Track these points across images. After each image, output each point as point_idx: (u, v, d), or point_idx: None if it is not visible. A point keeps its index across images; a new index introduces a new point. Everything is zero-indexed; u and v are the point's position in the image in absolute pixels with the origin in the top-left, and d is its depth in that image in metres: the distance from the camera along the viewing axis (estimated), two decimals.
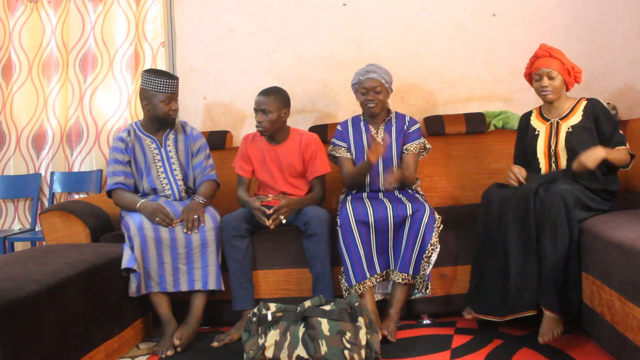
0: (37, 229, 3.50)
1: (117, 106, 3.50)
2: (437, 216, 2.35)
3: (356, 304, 2.02)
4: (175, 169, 2.59)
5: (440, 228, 2.33)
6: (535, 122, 2.43)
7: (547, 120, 2.39)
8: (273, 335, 1.98)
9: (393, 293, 2.34)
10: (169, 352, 2.21)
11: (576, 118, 2.31)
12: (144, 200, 2.45)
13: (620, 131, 2.27)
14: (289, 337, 1.97)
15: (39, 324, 1.71)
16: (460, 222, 2.42)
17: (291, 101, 3.43)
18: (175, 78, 2.56)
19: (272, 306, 2.06)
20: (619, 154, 2.21)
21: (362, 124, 2.66)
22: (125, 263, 2.25)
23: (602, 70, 3.24)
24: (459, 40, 3.32)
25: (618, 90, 3.23)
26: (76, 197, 3.49)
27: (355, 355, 1.94)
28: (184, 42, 3.50)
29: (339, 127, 2.71)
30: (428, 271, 2.30)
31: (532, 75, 2.39)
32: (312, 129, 3.18)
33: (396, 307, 2.31)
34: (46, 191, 3.58)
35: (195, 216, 2.38)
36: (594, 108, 2.29)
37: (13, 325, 1.59)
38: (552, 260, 2.01)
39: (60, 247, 2.30)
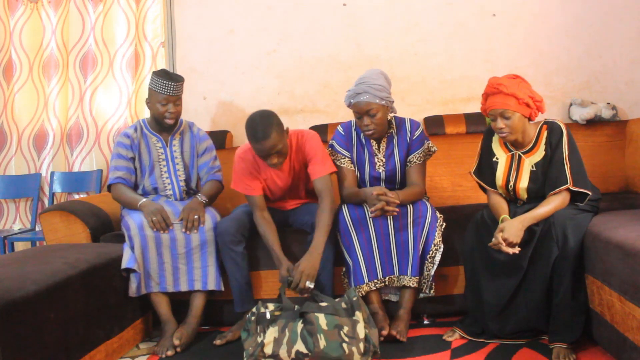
0: (37, 229, 3.51)
1: (117, 106, 3.51)
2: (439, 215, 2.33)
3: (354, 299, 2.05)
4: (178, 169, 2.58)
5: (443, 227, 2.32)
6: (496, 146, 2.22)
7: (509, 150, 2.19)
8: (272, 332, 1.99)
9: (402, 294, 2.32)
10: (169, 352, 2.21)
11: (540, 153, 2.11)
12: (145, 200, 2.43)
13: (566, 165, 2.04)
14: (287, 334, 1.98)
15: (39, 324, 1.71)
16: (460, 222, 2.41)
17: (291, 101, 3.46)
18: (176, 81, 2.49)
19: (270, 305, 2.08)
20: (544, 210, 2.02)
21: (363, 135, 2.43)
22: (125, 263, 2.25)
23: (602, 70, 3.24)
24: (459, 40, 3.32)
25: (618, 90, 3.23)
26: (76, 197, 3.49)
27: (354, 348, 1.95)
28: (184, 42, 3.50)
29: (340, 129, 2.48)
30: (432, 272, 2.28)
31: (487, 113, 2.13)
32: (312, 129, 3.18)
33: (406, 307, 2.28)
34: (46, 191, 3.58)
35: (196, 216, 2.37)
36: (552, 136, 2.09)
37: (13, 325, 1.59)
38: (564, 296, 1.96)
39: (60, 247, 2.30)
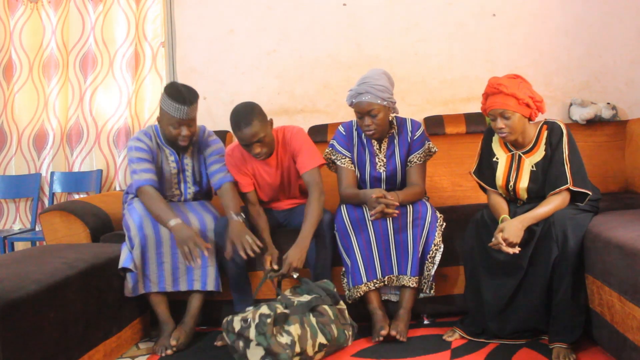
0: (37, 229, 3.51)
1: (117, 106, 3.51)
2: (439, 215, 2.33)
3: (334, 290, 2.22)
4: (188, 182, 2.50)
5: (443, 226, 2.32)
6: (496, 146, 2.22)
7: (509, 150, 2.19)
8: (295, 330, 1.99)
9: (402, 294, 2.32)
10: (168, 352, 2.21)
11: (540, 153, 2.11)
12: (178, 222, 2.21)
13: (566, 165, 2.04)
14: (307, 329, 2.02)
15: (39, 324, 1.71)
16: (460, 222, 2.41)
17: (291, 101, 3.46)
18: (191, 103, 2.26)
19: (279, 306, 2.04)
20: (544, 210, 2.02)
21: (364, 135, 2.43)
22: (121, 263, 2.25)
23: (602, 70, 3.24)
24: (459, 40, 3.32)
25: (618, 90, 3.23)
26: (76, 197, 3.50)
27: (350, 333, 2.17)
28: (184, 42, 3.50)
29: (341, 129, 2.48)
30: (432, 271, 2.28)
31: (487, 113, 2.12)
32: (312, 128, 3.19)
33: (406, 307, 2.28)
34: (46, 191, 3.58)
35: (249, 239, 2.21)
36: (552, 136, 2.09)
37: (13, 325, 1.59)
38: (563, 296, 1.96)
39: (59, 247, 2.30)
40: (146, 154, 2.36)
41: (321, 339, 2.03)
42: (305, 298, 2.14)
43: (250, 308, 2.05)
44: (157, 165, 2.40)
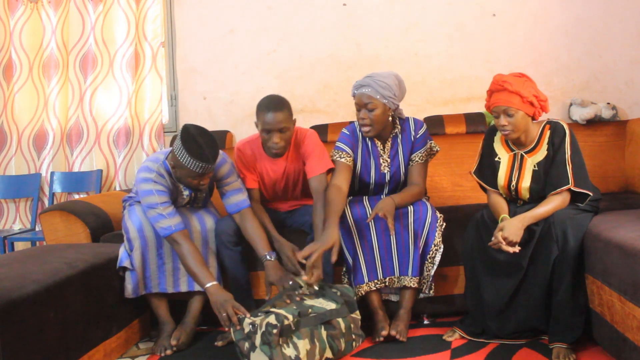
0: (37, 229, 3.51)
1: (117, 106, 3.51)
2: (439, 215, 2.32)
3: (355, 298, 2.15)
4: (198, 203, 2.49)
5: (443, 227, 2.31)
6: (498, 145, 2.22)
7: (511, 149, 2.19)
8: (304, 345, 1.94)
9: (402, 294, 2.32)
10: (168, 352, 2.21)
11: (542, 152, 2.11)
12: (214, 284, 2.13)
13: (568, 166, 2.04)
14: (317, 343, 1.97)
15: (39, 324, 1.71)
16: (460, 222, 2.41)
17: (291, 101, 3.44)
18: (213, 160, 2.13)
19: (289, 315, 1.96)
20: (544, 209, 2.02)
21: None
22: (119, 263, 2.25)
23: (602, 70, 3.25)
24: (459, 40, 3.32)
25: (618, 90, 3.23)
26: (76, 197, 3.49)
27: (357, 344, 2.13)
28: (184, 42, 3.51)
29: (345, 130, 2.44)
30: (432, 272, 2.27)
31: (491, 110, 2.12)
32: (312, 129, 3.17)
33: (406, 307, 2.28)
34: (46, 191, 3.58)
35: (290, 282, 2.17)
36: (554, 136, 2.09)
37: (13, 325, 1.59)
38: (563, 296, 1.96)
39: (59, 247, 2.30)
40: (167, 196, 2.25)
41: (328, 353, 1.99)
42: (321, 303, 2.08)
43: (261, 314, 1.99)
44: (172, 199, 2.33)
